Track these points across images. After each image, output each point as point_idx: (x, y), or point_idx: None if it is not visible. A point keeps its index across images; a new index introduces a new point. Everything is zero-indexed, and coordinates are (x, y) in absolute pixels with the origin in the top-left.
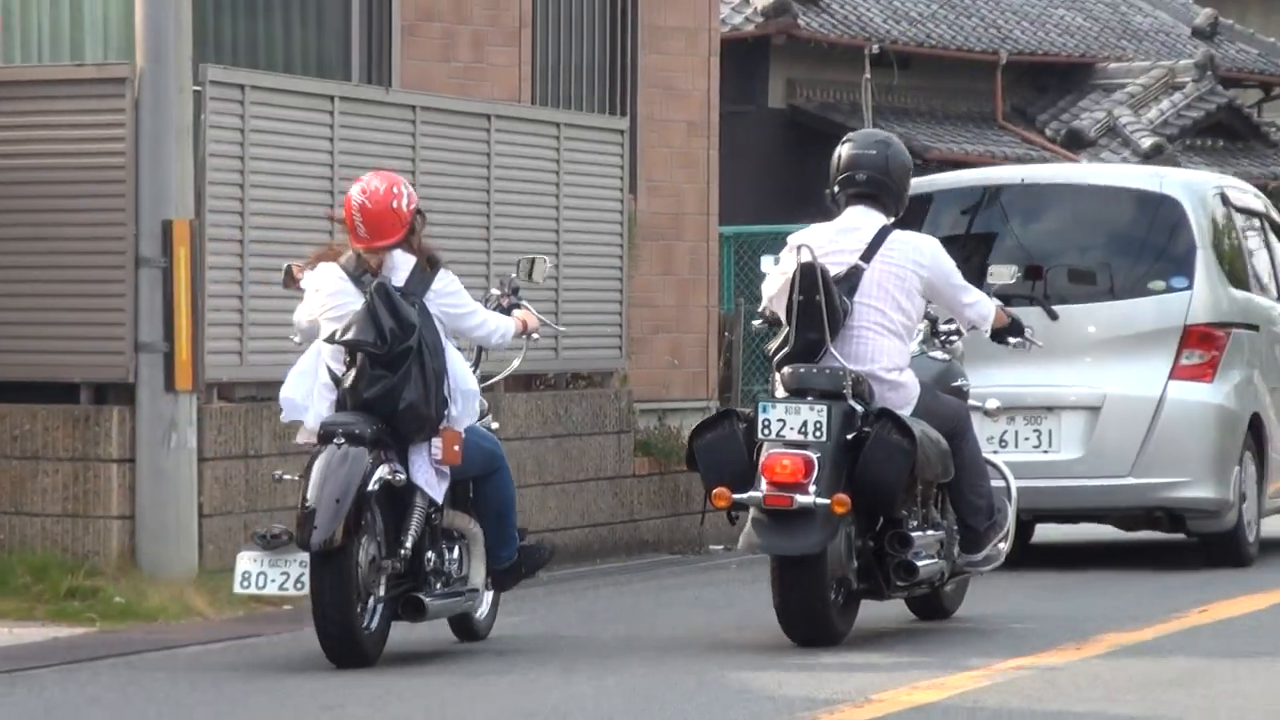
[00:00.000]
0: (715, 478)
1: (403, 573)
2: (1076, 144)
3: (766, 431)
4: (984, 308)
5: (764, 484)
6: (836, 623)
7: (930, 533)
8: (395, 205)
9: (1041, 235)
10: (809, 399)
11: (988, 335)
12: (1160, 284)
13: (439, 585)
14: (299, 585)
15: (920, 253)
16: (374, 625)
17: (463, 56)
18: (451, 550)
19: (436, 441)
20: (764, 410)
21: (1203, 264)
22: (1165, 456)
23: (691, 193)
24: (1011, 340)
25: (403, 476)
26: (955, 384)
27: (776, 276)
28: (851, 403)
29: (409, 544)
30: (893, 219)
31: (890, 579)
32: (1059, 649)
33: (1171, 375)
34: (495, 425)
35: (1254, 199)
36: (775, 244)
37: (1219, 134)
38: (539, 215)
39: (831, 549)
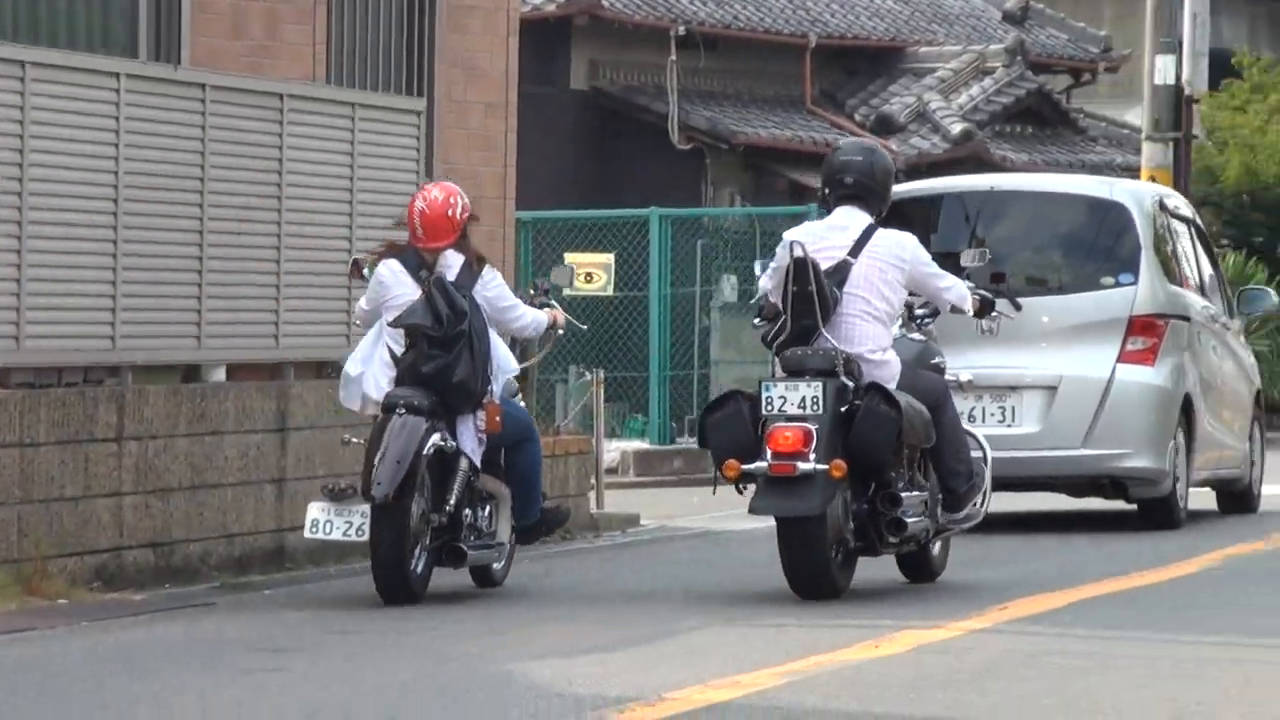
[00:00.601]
0: (725, 451)
1: (445, 526)
2: (886, 129)
3: (770, 408)
4: (960, 289)
5: (769, 454)
6: (837, 578)
7: (916, 493)
8: (450, 213)
9: (1006, 237)
10: (805, 378)
11: (970, 314)
12: (1110, 280)
13: (472, 538)
14: (360, 533)
15: (902, 248)
16: (420, 569)
17: (255, 34)
18: (484, 509)
19: (481, 413)
20: (767, 389)
21: (1146, 263)
22: (1113, 431)
23: (489, 176)
24: (985, 321)
25: (453, 444)
26: (933, 361)
27: (776, 272)
28: (843, 379)
29: (453, 501)
30: (876, 217)
31: (883, 536)
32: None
33: (1119, 359)
34: (523, 403)
35: (1185, 206)
36: (574, 232)
37: (1028, 120)
38: (332, 198)
39: (830, 511)
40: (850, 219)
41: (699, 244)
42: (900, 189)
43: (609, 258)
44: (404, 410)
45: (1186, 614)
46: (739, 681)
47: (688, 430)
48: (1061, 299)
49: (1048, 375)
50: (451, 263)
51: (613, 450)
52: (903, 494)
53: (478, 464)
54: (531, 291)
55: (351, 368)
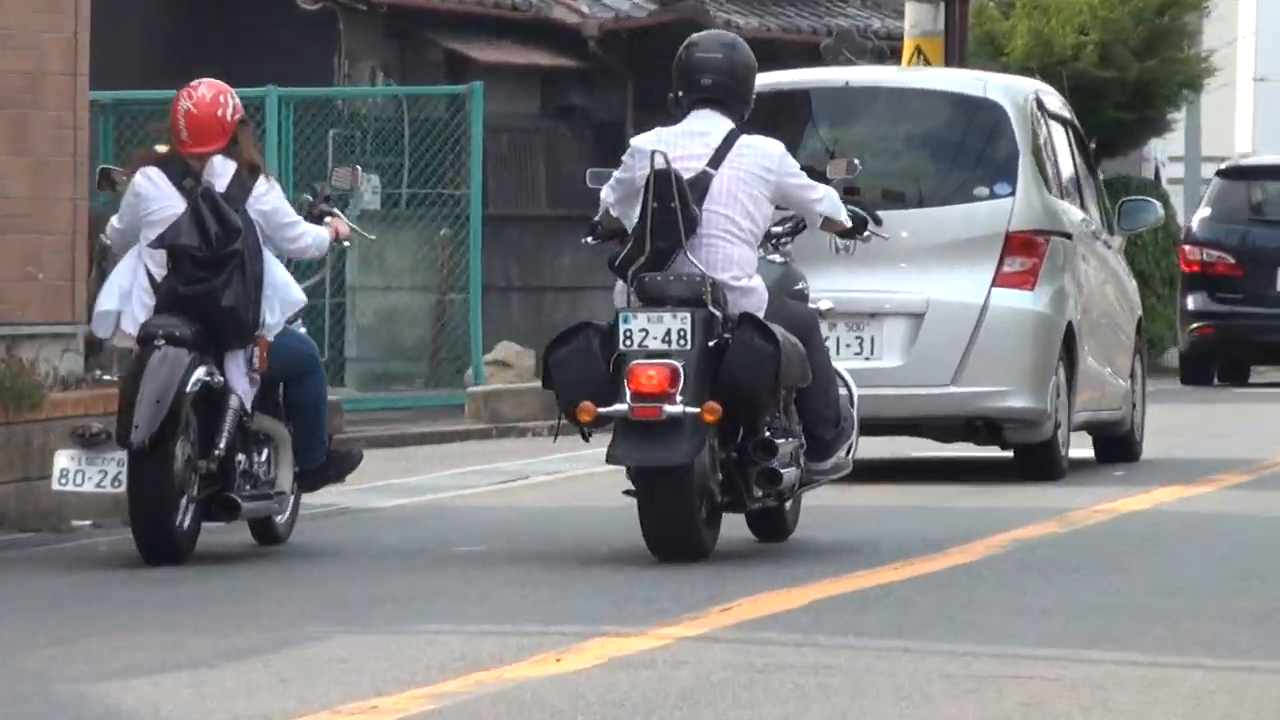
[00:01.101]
0: (575, 393)
1: (215, 474)
2: None
3: (629, 342)
4: (834, 200)
5: (629, 396)
6: (704, 537)
7: (788, 441)
8: (220, 113)
9: (862, 141)
10: (667, 307)
11: (842, 232)
12: (983, 190)
13: (248, 487)
14: (116, 483)
15: (769, 158)
16: (186, 524)
17: None
18: (260, 453)
19: (254, 348)
20: (625, 320)
21: (1024, 170)
22: (987, 365)
23: (53, 45)
24: (859, 236)
25: (221, 379)
26: (797, 287)
27: (619, 184)
28: (711, 309)
29: (223, 445)
30: (739, 123)
31: (751, 489)
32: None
33: (994, 282)
34: (303, 329)
35: (1063, 106)
36: (164, 113)
37: None
38: None
39: (697, 461)
40: (710, 124)
41: (330, 134)
42: None
43: None
44: (163, 342)
45: (969, 615)
46: (377, 707)
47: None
48: (927, 213)
49: (912, 301)
50: (221, 171)
51: None
52: (778, 441)
53: (249, 405)
54: (309, 198)
55: (106, 299)
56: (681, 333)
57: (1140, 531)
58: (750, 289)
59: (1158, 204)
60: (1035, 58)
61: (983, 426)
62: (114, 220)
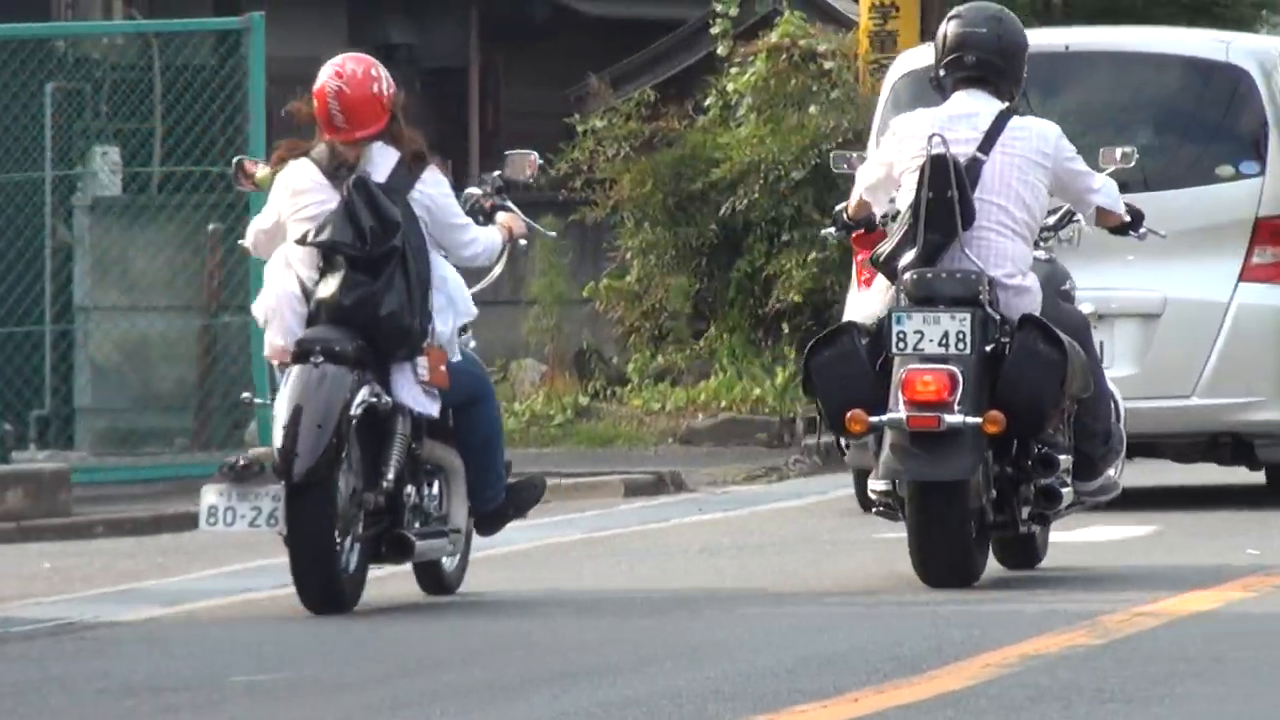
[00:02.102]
0: (841, 400)
1: (381, 509)
2: None
3: (902, 345)
4: (1113, 190)
5: (903, 404)
6: (977, 560)
7: (1065, 456)
8: (375, 89)
9: (1086, 113)
10: (941, 307)
11: (1111, 226)
12: (1228, 169)
13: (417, 524)
14: (271, 521)
15: (1045, 140)
16: (352, 567)
17: None
18: (430, 485)
19: (421, 360)
20: (898, 321)
21: (1275, 146)
22: (1235, 373)
23: None
24: (1134, 233)
25: (388, 400)
26: (1063, 287)
27: (876, 167)
28: (988, 310)
29: (391, 476)
30: (1008, 103)
31: (1027, 509)
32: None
33: (1241, 277)
34: (473, 344)
35: None
36: None
37: None
38: None
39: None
40: (978, 104)
41: (48, 89)
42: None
43: None
44: (322, 358)
45: None
46: None
47: (34, 434)
48: (1161, 196)
49: (1147, 299)
50: (380, 160)
51: None
52: (1060, 457)
53: (434, 414)
54: (476, 191)
55: (258, 310)
56: (960, 335)
57: None
58: (1025, 288)
59: None
60: None
61: (1230, 443)
62: (256, 220)
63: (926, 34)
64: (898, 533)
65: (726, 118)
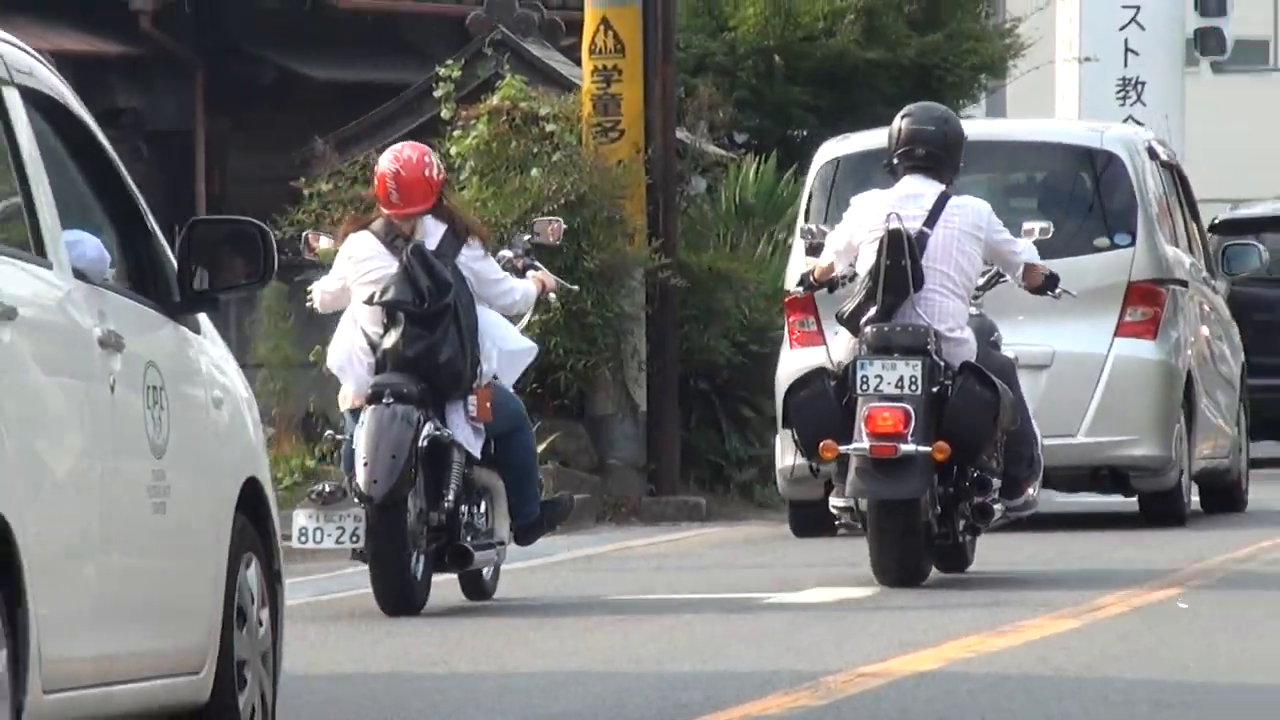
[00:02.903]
0: (813, 432)
1: (441, 526)
2: None
3: (865, 387)
4: (1033, 251)
5: (865, 436)
6: (925, 564)
7: (996, 479)
8: (427, 174)
9: (990, 192)
10: (896, 356)
11: (1032, 284)
12: (1104, 240)
13: (469, 538)
14: (354, 538)
15: (979, 215)
16: (419, 575)
17: None
18: (479, 505)
19: (471, 399)
20: (862, 367)
21: (1143, 219)
22: (1113, 415)
23: None
24: (1052, 292)
25: (448, 433)
26: (992, 337)
27: (840, 238)
28: (934, 358)
29: (450, 497)
30: (948, 185)
31: (962, 523)
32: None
33: (1116, 333)
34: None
35: (1168, 153)
36: None
37: None
38: None
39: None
40: (924, 187)
41: None
42: (850, 144)
43: None
44: (392, 399)
45: None
46: None
47: None
48: (1050, 264)
49: (1038, 352)
50: (432, 231)
51: None
52: (992, 479)
53: (476, 454)
54: (509, 254)
55: (332, 363)
56: (913, 379)
57: None
58: (963, 339)
59: (1260, 247)
60: (773, 32)
61: (1108, 475)
62: (321, 283)
63: (650, 98)
64: (620, 594)
65: (450, 180)
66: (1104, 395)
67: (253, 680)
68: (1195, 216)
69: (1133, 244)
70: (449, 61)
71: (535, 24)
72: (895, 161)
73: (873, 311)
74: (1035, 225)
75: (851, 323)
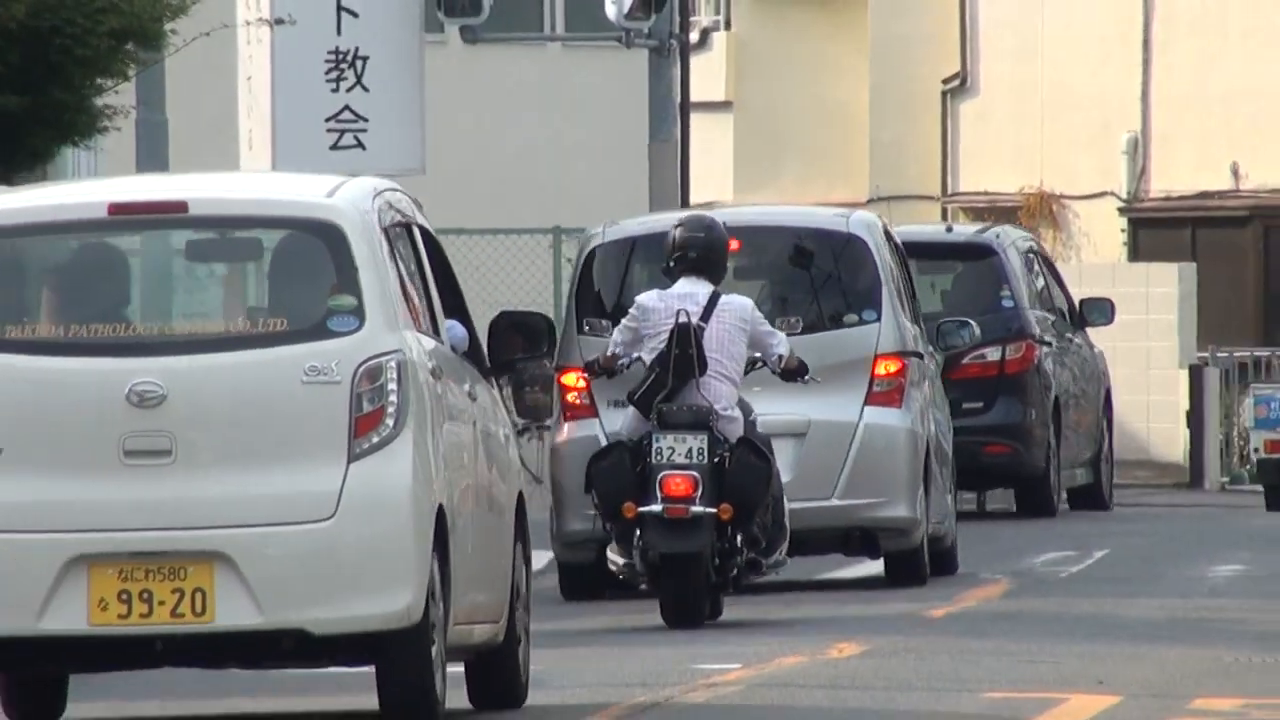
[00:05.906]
0: (613, 494)
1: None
2: None
3: (659, 456)
4: (786, 342)
5: (660, 498)
6: (705, 608)
7: (763, 538)
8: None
9: (745, 272)
10: (684, 431)
11: (786, 370)
12: (853, 316)
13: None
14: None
15: (745, 310)
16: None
17: None
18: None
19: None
20: (656, 440)
21: (887, 296)
22: (864, 478)
23: None
24: (801, 378)
25: None
26: (751, 417)
27: (627, 331)
28: (715, 432)
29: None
30: (716, 285)
31: (737, 575)
32: None
33: (866, 401)
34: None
35: (895, 236)
36: None
37: None
38: None
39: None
40: (697, 288)
41: None
42: (611, 234)
43: None
44: None
45: None
46: None
47: None
48: (802, 339)
49: (795, 421)
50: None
51: None
52: (762, 538)
53: None
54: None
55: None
56: (700, 450)
57: None
58: (734, 417)
59: (974, 324)
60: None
61: (860, 536)
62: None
63: None
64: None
65: None
66: (856, 460)
67: (519, 627)
68: (914, 292)
69: (878, 319)
70: None
71: None
72: (671, 265)
73: (664, 393)
74: (785, 320)
75: (643, 402)
